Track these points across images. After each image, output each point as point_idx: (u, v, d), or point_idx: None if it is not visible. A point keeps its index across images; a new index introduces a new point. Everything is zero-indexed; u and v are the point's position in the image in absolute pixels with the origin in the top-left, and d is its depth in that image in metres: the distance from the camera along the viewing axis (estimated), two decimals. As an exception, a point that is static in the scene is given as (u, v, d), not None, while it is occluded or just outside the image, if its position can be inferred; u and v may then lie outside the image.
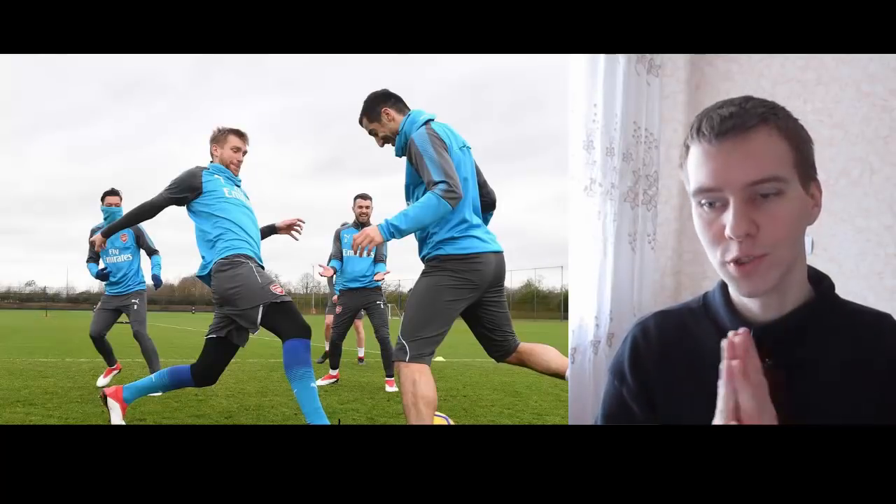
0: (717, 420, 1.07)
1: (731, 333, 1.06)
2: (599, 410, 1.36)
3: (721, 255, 1.11)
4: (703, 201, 1.11)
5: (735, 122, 1.08)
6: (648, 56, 3.80)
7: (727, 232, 1.08)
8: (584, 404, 3.46)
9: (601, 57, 3.56)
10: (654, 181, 3.89)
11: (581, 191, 3.50)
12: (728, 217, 1.08)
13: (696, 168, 1.11)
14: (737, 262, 1.09)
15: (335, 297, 6.66)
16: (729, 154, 1.07)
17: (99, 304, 5.80)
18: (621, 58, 3.63)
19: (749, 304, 1.18)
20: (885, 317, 1.18)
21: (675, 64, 4.10)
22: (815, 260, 3.58)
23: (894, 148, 3.46)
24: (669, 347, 1.26)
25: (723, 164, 1.08)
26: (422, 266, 2.92)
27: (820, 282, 1.20)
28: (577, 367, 3.51)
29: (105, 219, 5.56)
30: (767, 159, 1.07)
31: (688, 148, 1.14)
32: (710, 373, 1.20)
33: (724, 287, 1.24)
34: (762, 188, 1.07)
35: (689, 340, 1.25)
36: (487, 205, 3.14)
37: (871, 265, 3.50)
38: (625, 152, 3.68)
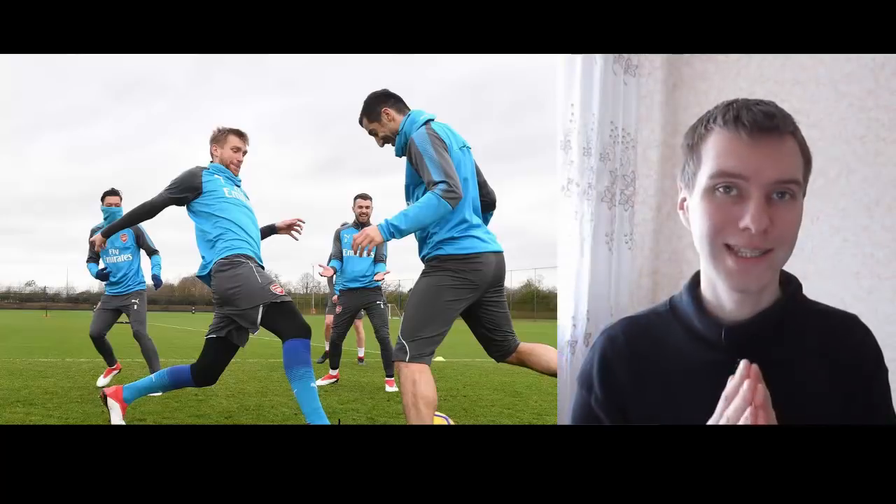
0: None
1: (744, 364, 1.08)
2: (569, 419, 1.37)
3: (723, 239, 1.13)
4: (719, 185, 1.13)
5: (777, 122, 1.13)
6: (626, 56, 3.78)
7: (746, 223, 1.11)
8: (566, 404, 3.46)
9: (578, 57, 3.55)
10: (630, 181, 3.87)
11: (559, 191, 3.50)
12: (749, 208, 1.11)
13: (722, 153, 1.14)
14: (738, 254, 1.11)
15: (335, 297, 6.67)
16: (765, 149, 1.12)
17: (99, 304, 5.80)
18: (598, 58, 3.61)
19: (725, 302, 1.20)
20: (850, 317, 1.23)
21: (653, 64, 4.08)
22: (792, 259, 3.56)
23: (871, 148, 3.45)
24: (638, 353, 1.28)
25: (756, 156, 1.12)
26: (422, 266, 2.92)
27: (788, 282, 1.24)
28: (560, 366, 3.50)
29: (105, 219, 5.56)
30: (794, 163, 1.13)
31: (708, 130, 1.16)
32: (681, 375, 1.22)
33: (691, 289, 1.26)
34: (784, 188, 1.11)
35: (657, 344, 1.27)
36: (487, 205, 3.13)
37: (847, 265, 3.48)
38: (602, 152, 3.66)
